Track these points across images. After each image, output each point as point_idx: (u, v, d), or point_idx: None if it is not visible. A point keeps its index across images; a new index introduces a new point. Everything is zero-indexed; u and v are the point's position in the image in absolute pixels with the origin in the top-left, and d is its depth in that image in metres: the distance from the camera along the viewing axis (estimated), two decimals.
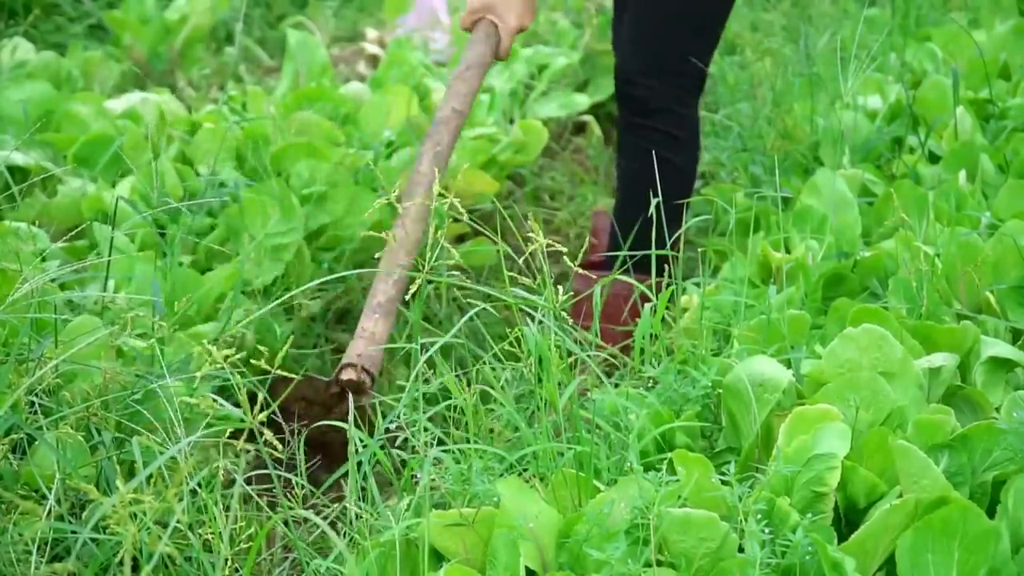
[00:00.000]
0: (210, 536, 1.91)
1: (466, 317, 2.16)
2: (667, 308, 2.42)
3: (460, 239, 3.66)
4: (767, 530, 1.76)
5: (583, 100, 4.71)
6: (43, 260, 2.65)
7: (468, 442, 2.10)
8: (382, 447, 2.10)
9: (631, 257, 2.64)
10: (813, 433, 1.92)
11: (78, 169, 3.35)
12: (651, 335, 2.36)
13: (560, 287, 2.09)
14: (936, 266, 2.49)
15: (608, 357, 2.42)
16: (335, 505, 2.12)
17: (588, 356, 2.18)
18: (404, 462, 2.11)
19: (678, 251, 2.59)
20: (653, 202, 2.49)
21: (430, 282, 2.75)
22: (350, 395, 2.39)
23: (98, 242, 2.98)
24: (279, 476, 2.03)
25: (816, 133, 3.59)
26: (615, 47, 3.37)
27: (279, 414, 2.12)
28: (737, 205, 3.17)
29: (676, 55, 3.13)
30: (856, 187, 3.12)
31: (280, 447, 1.93)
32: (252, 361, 2.02)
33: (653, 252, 2.46)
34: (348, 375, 2.52)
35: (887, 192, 2.98)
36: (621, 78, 3.21)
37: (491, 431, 2.18)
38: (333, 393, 2.66)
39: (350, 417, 2.04)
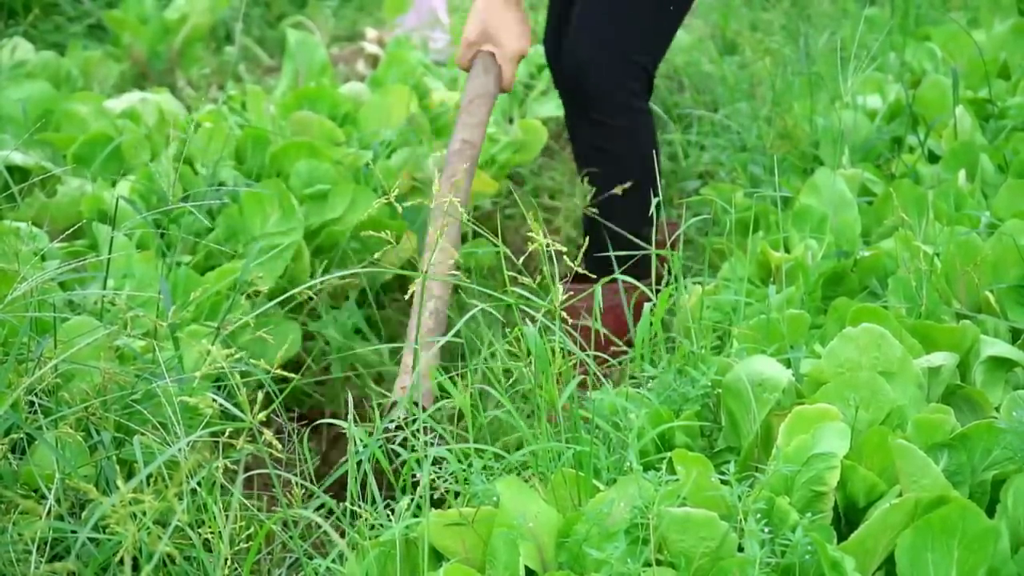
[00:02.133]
0: (210, 536, 1.91)
1: (466, 317, 2.16)
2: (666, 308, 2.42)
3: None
4: (767, 529, 1.76)
5: None
6: (43, 260, 2.65)
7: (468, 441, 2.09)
8: (380, 447, 2.10)
9: (616, 261, 2.66)
10: (812, 432, 1.92)
11: (78, 169, 3.35)
12: (651, 334, 2.36)
13: (560, 288, 2.09)
14: (935, 265, 2.49)
15: (607, 357, 2.42)
16: (335, 504, 2.12)
17: (586, 356, 2.17)
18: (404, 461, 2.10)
19: (663, 250, 2.58)
20: (654, 201, 2.49)
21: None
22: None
23: (97, 242, 2.98)
24: (279, 475, 2.03)
25: (816, 133, 3.59)
26: (551, 45, 3.32)
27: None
28: (737, 205, 3.17)
29: (634, 46, 3.10)
30: (856, 187, 3.12)
31: (280, 447, 1.92)
32: (252, 361, 2.02)
33: (654, 251, 2.46)
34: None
35: (887, 192, 2.98)
36: (576, 73, 3.13)
37: (489, 430, 2.17)
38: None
39: (350, 417, 2.04)
